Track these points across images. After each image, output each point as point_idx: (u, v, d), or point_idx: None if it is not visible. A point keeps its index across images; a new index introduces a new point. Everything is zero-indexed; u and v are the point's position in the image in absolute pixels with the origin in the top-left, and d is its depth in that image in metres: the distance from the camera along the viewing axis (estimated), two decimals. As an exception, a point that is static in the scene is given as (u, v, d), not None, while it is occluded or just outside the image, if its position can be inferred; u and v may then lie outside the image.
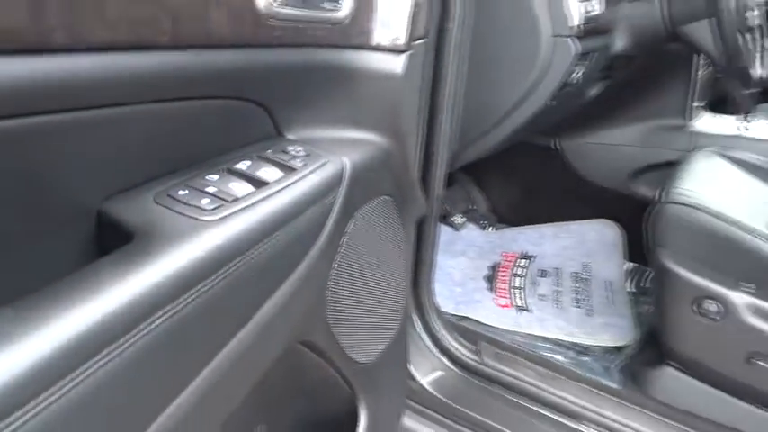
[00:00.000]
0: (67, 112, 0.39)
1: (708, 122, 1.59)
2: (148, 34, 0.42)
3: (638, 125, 1.60)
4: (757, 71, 1.23)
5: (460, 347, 1.22)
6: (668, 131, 1.58)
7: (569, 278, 1.63)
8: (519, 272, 1.65)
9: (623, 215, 1.63)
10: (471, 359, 1.20)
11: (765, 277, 1.03)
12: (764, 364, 1.03)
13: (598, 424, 1.09)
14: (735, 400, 1.11)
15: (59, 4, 0.36)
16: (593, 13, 1.06)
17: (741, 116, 1.53)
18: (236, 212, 0.46)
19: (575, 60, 1.04)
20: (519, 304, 1.52)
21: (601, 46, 1.16)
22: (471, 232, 1.80)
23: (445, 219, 1.63)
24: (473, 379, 1.19)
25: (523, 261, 1.70)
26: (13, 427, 0.29)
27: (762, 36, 1.27)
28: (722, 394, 1.12)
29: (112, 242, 0.42)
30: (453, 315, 1.44)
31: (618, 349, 1.36)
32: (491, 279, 1.62)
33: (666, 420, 1.09)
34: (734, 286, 1.04)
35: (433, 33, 0.90)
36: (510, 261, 1.70)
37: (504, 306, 1.51)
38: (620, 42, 1.23)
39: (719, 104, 1.68)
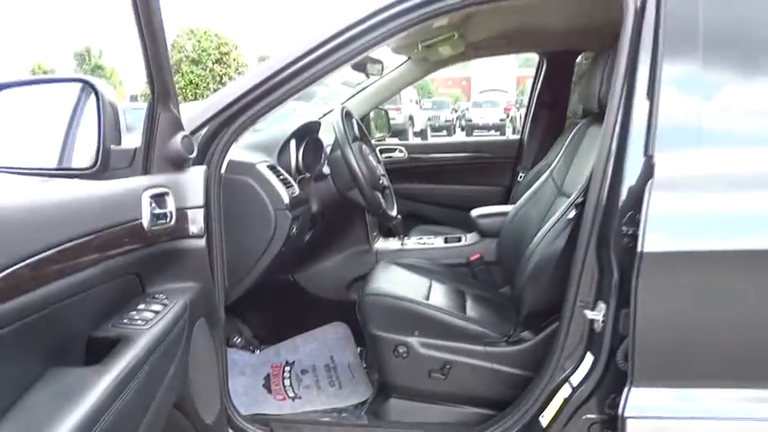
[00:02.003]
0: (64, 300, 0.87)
1: (383, 244, 2.44)
2: (94, 259, 0.93)
3: (343, 253, 2.38)
4: (393, 212, 2.09)
5: (258, 431, 1.70)
6: (362, 254, 2.38)
7: (323, 369, 2.24)
8: (286, 375, 2.21)
9: (347, 315, 2.32)
10: (268, 436, 1.70)
11: (424, 325, 1.79)
12: (437, 375, 1.76)
13: None
14: (431, 405, 1.81)
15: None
16: (295, 194, 1.78)
17: (399, 238, 2.42)
18: (153, 325, 0.97)
19: (291, 223, 1.73)
20: (292, 395, 2.06)
21: (304, 211, 1.89)
22: (244, 357, 2.31)
23: (227, 342, 2.12)
24: None
25: (288, 368, 2.26)
26: None
27: (391, 191, 2.16)
28: (425, 404, 1.81)
29: (103, 347, 0.89)
30: (247, 414, 1.91)
31: (363, 403, 1.99)
32: (268, 386, 2.14)
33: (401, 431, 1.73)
34: (411, 334, 1.78)
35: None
36: (278, 370, 2.24)
37: (281, 400, 2.04)
38: (315, 206, 1.99)
39: (388, 232, 2.58)
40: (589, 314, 1.49)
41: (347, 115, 2.01)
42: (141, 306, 1.04)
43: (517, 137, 3.44)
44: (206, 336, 1.28)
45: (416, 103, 19.68)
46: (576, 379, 1.53)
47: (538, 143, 3.13)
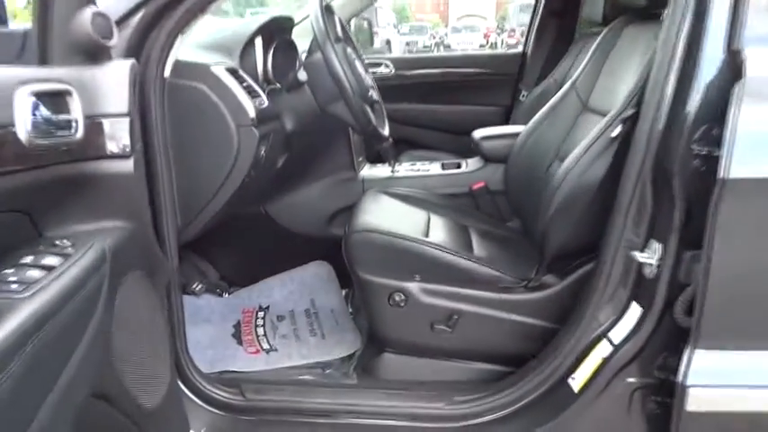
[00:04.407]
0: None
1: (370, 171, 2.09)
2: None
3: (323, 181, 2.02)
4: (385, 131, 1.73)
5: (225, 394, 1.40)
6: (345, 182, 2.02)
7: (302, 315, 1.94)
8: (259, 323, 1.90)
9: (329, 253, 2.00)
10: (237, 400, 1.40)
11: (425, 268, 1.47)
12: (442, 327, 1.46)
13: (347, 413, 1.39)
14: (434, 361, 1.52)
15: None
16: (263, 106, 1.40)
17: (390, 163, 2.06)
18: (39, 290, 0.63)
19: (259, 143, 1.36)
20: (266, 347, 1.76)
21: (275, 129, 1.51)
22: (210, 301, 1.98)
23: (185, 289, 1.79)
24: (242, 416, 1.39)
25: (261, 313, 1.95)
26: None
27: (381, 107, 1.79)
28: (425, 360, 1.52)
29: None
30: (212, 373, 1.61)
31: (350, 357, 1.70)
32: (238, 335, 1.83)
33: (395, 392, 1.44)
34: (410, 279, 1.46)
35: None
36: (250, 316, 1.93)
37: (254, 353, 1.74)
38: (288, 124, 1.61)
39: (375, 157, 2.22)
40: (638, 256, 1.18)
41: (327, 9, 1.60)
42: (27, 260, 0.69)
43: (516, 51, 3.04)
44: (144, 292, 0.95)
45: (394, 27, 18.77)
46: (617, 334, 1.24)
47: (544, 57, 2.76)
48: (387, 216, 1.67)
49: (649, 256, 1.17)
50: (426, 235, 1.61)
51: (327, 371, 1.63)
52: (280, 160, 1.72)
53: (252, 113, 1.33)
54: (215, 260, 2.05)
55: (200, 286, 1.75)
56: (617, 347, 1.23)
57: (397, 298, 1.45)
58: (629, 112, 1.25)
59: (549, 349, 1.36)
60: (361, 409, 1.39)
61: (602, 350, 1.26)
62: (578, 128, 1.68)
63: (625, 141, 1.26)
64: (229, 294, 2.04)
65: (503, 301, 1.45)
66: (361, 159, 2.11)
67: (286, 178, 1.95)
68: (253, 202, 1.95)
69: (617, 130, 1.28)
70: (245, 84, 1.38)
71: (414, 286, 1.45)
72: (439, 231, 1.66)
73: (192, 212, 1.37)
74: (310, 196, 2.01)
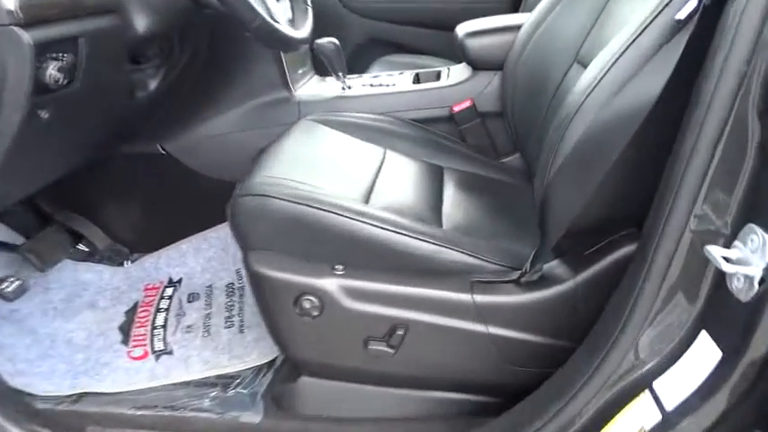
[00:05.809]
0: None
1: (312, 89, 1.48)
2: None
3: (244, 106, 1.42)
4: (301, 32, 1.10)
5: None
6: (276, 106, 1.43)
7: (222, 293, 1.42)
8: (163, 305, 1.39)
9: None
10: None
11: (352, 253, 0.91)
12: (380, 347, 0.92)
13: None
14: (372, 388, 1.00)
15: None
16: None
17: (338, 77, 1.44)
18: None
19: (36, 54, 0.77)
20: (159, 348, 1.26)
21: (106, 27, 0.91)
22: (102, 276, 1.48)
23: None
24: None
25: (169, 290, 1.44)
26: None
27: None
28: (360, 386, 1.00)
29: None
30: (69, 396, 1.12)
31: (269, 364, 1.18)
32: (126, 328, 1.33)
33: None
34: (327, 272, 0.91)
35: None
36: (153, 295, 1.43)
37: (139, 358, 1.24)
38: (141, 20, 1.00)
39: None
40: (718, 255, 0.60)
41: None
42: None
43: None
44: None
45: None
46: (670, 390, 0.69)
47: None
48: (309, 163, 1.10)
49: (744, 258, 0.59)
50: (371, 189, 1.04)
51: (230, 393, 1.11)
52: (152, 79, 1.14)
53: (10, 4, 0.74)
54: (105, 220, 1.51)
55: (13, 286, 1.19)
56: (669, 415, 0.67)
57: (306, 304, 0.90)
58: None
59: (547, 391, 0.82)
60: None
61: (644, 412, 0.71)
62: (610, 14, 1.05)
63: (704, 30, 0.64)
64: (132, 263, 1.53)
65: (480, 306, 0.89)
66: (301, 71, 1.50)
67: (189, 106, 1.37)
68: (143, 140, 1.38)
69: (689, 7, 0.66)
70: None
71: (332, 285, 0.90)
72: (393, 183, 1.09)
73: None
74: (227, 128, 1.42)
